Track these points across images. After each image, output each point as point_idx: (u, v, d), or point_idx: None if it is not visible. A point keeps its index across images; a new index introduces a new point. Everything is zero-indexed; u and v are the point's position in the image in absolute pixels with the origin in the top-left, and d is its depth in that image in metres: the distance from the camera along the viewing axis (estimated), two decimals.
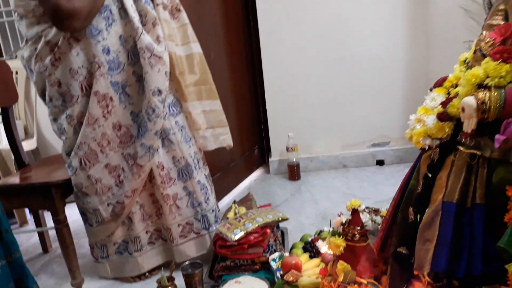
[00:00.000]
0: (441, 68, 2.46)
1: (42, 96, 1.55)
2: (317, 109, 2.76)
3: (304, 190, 2.55)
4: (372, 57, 2.65)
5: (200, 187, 1.76)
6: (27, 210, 2.48)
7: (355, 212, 1.31)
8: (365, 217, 1.55)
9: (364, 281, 1.26)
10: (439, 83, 1.19)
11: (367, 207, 2.03)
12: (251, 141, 2.92)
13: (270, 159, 2.89)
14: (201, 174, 1.78)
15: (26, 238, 2.35)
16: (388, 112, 2.74)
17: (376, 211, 2.04)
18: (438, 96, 1.14)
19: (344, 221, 1.34)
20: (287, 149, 2.72)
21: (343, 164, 2.84)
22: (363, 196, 2.34)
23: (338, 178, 2.68)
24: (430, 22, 2.57)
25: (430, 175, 1.10)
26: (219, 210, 1.98)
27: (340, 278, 1.24)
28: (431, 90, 1.21)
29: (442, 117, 1.06)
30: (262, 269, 1.62)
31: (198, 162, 1.78)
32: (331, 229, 1.63)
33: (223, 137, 1.84)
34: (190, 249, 1.76)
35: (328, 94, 2.73)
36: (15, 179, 1.77)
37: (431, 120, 1.09)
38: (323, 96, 2.74)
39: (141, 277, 1.76)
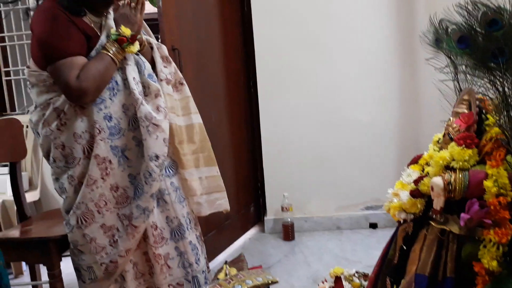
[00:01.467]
0: (430, 132, 2.61)
1: (47, 157, 1.65)
2: (312, 170, 2.86)
3: (298, 251, 2.58)
4: (364, 122, 2.78)
5: (191, 247, 1.77)
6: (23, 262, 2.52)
7: (338, 280, 1.36)
8: (347, 285, 1.59)
9: None
10: (415, 160, 1.29)
11: (357, 272, 2.06)
12: (247, 198, 2.99)
13: (265, 218, 2.95)
14: (192, 235, 1.79)
15: None
16: (381, 176, 2.82)
17: (365, 276, 2.07)
18: (413, 172, 1.24)
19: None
20: (282, 208, 2.79)
21: (337, 226, 2.89)
22: (355, 259, 2.37)
23: (332, 240, 2.72)
24: (420, 91, 2.72)
25: (405, 247, 1.17)
26: (209, 271, 1.99)
27: None
28: (408, 166, 1.30)
29: (415, 194, 1.15)
30: None
31: (190, 222, 1.80)
32: None
33: (219, 202, 1.90)
34: None
35: (322, 156, 2.84)
36: (15, 233, 1.83)
37: (405, 195, 1.18)
38: (317, 157, 2.85)
39: None
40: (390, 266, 1.22)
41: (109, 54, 1.44)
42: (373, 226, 2.85)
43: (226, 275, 1.85)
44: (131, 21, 1.52)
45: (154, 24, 2.23)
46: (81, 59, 1.45)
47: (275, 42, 2.79)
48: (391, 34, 2.75)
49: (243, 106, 2.94)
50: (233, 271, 1.90)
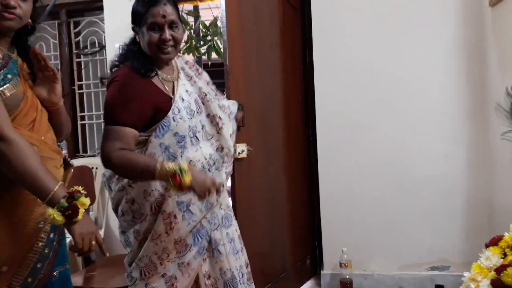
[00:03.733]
0: (503, 194, 2.42)
1: (115, 210, 1.72)
2: (374, 225, 2.74)
3: None
4: (432, 180, 2.64)
5: None
6: None
7: None
8: None
9: None
10: (495, 242, 1.18)
11: None
12: (304, 251, 2.91)
13: (322, 272, 2.84)
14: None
15: None
16: (448, 236, 2.65)
17: None
18: (493, 256, 1.13)
19: None
20: (340, 264, 2.67)
21: (399, 286, 2.71)
22: None
23: None
24: (492, 148, 2.55)
25: None
26: None
27: None
28: (486, 246, 1.19)
29: (497, 285, 1.04)
30: None
31: (243, 276, 1.78)
32: None
33: None
34: None
35: (386, 213, 2.72)
36: (78, 280, 1.90)
37: (485, 285, 1.08)
38: (381, 213, 2.73)
39: None
40: None
41: (157, 168, 1.37)
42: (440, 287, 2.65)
43: None
44: (202, 185, 1.45)
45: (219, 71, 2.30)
46: (130, 132, 1.48)
47: (337, 96, 2.76)
48: (459, 89, 2.63)
49: (303, 161, 2.93)
50: None
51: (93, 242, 1.19)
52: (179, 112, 1.54)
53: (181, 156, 1.55)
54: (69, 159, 1.43)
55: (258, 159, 2.39)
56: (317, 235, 2.96)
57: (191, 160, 1.57)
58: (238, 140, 2.20)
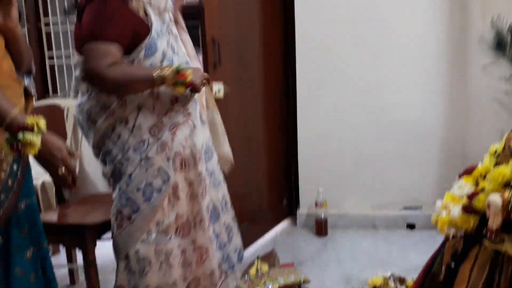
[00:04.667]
0: (478, 138, 2.47)
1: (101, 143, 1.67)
2: (350, 167, 2.77)
3: (330, 248, 2.53)
4: (408, 123, 2.66)
5: (225, 228, 1.82)
6: None
7: None
8: None
9: None
10: (468, 172, 1.19)
11: (393, 275, 2.00)
12: (280, 191, 2.95)
13: (298, 211, 2.90)
14: (227, 216, 1.84)
15: (56, 268, 2.43)
16: (422, 176, 2.71)
17: (401, 281, 2.00)
18: (466, 185, 1.15)
19: None
20: (316, 204, 2.73)
21: (373, 224, 2.80)
22: (391, 261, 2.29)
23: (367, 238, 2.64)
24: (471, 94, 2.57)
25: (453, 265, 1.09)
26: (243, 252, 2.00)
27: None
28: (459, 176, 1.21)
29: (468, 210, 1.06)
30: None
31: (225, 204, 1.85)
32: None
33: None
34: None
35: (362, 154, 2.75)
36: (53, 216, 1.88)
37: (456, 210, 1.10)
38: (356, 155, 2.75)
39: None
40: (435, 282, 1.15)
41: (157, 72, 1.40)
42: (411, 226, 2.75)
43: (257, 271, 1.83)
44: (198, 77, 1.50)
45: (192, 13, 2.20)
46: (118, 48, 1.43)
47: (317, 36, 2.68)
48: (441, 32, 2.59)
49: (280, 99, 2.87)
50: (265, 267, 1.88)
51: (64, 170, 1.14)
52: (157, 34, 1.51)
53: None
54: (31, 89, 1.34)
55: (235, 98, 2.34)
56: (293, 177, 2.99)
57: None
58: (214, 79, 2.13)
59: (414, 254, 2.37)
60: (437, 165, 2.69)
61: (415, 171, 2.71)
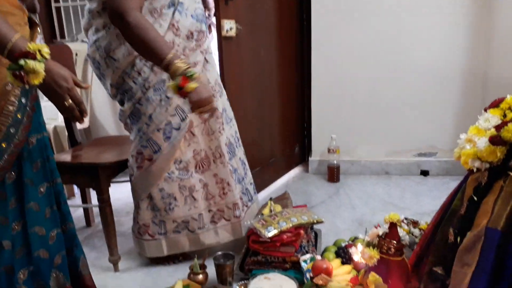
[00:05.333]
0: (500, 82, 2.37)
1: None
2: (364, 112, 2.71)
3: (342, 193, 2.53)
4: (428, 64, 2.56)
5: (241, 163, 1.90)
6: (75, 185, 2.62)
7: (393, 226, 1.29)
8: (402, 232, 1.52)
9: None
10: (495, 104, 1.14)
11: (406, 218, 1.99)
12: (293, 139, 2.92)
13: (310, 158, 2.88)
14: (240, 151, 1.91)
15: (72, 211, 2.45)
16: (439, 122, 2.65)
17: (415, 224, 1.99)
18: (493, 117, 1.09)
19: (380, 234, 1.32)
20: (329, 150, 2.70)
21: (386, 171, 2.78)
22: (403, 206, 2.29)
23: (379, 184, 2.63)
24: (493, 33, 2.44)
25: (475, 198, 1.06)
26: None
27: None
28: (485, 110, 1.15)
29: (495, 141, 1.02)
30: (292, 268, 1.62)
31: (238, 140, 1.91)
32: (366, 237, 1.62)
33: None
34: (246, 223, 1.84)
35: (377, 98, 2.68)
36: (66, 157, 1.87)
37: (482, 142, 1.05)
38: (371, 99, 2.69)
39: (174, 260, 1.82)
40: (455, 216, 1.13)
41: (170, 57, 1.33)
42: (425, 173, 2.73)
43: (271, 211, 1.83)
44: (198, 97, 1.37)
45: None
46: None
47: None
48: None
49: (294, 42, 2.77)
50: (278, 208, 1.87)
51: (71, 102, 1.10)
52: None
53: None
54: (35, 19, 1.28)
55: (247, 39, 2.26)
56: (306, 124, 2.95)
57: None
58: (225, 16, 2.04)
59: (428, 199, 2.36)
60: (456, 111, 2.62)
61: (432, 117, 2.65)
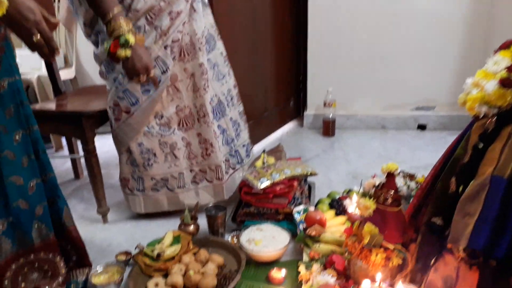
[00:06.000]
0: (504, 32, 2.27)
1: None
2: (361, 65, 2.61)
3: (337, 148, 2.47)
4: (428, 13, 2.44)
5: (232, 123, 1.80)
6: (63, 137, 2.54)
7: (390, 175, 1.24)
8: (400, 182, 1.47)
9: (391, 246, 1.21)
10: (506, 45, 1.05)
11: (402, 171, 1.95)
12: (287, 92, 2.83)
13: (305, 113, 2.81)
14: (234, 111, 1.80)
15: (61, 162, 2.42)
16: (438, 75, 2.56)
17: (411, 177, 1.95)
18: (503, 59, 1.01)
19: (377, 184, 1.27)
20: (325, 104, 2.62)
21: (382, 125, 2.72)
22: (399, 160, 2.24)
23: (375, 139, 2.58)
24: None
25: (481, 145, 1.00)
26: (252, 147, 1.98)
27: (366, 240, 1.19)
28: (495, 52, 1.07)
29: (506, 83, 0.94)
30: (285, 219, 1.59)
31: (231, 99, 1.79)
32: (361, 189, 1.57)
33: None
34: (233, 184, 1.80)
35: (375, 50, 2.57)
36: (51, 106, 1.78)
37: (491, 85, 0.97)
38: (369, 52, 2.58)
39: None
40: (457, 165, 1.07)
41: (111, 15, 1.25)
42: (422, 127, 2.67)
43: (263, 163, 1.77)
44: (133, 70, 1.31)
45: None
46: None
47: None
48: None
49: None
50: (271, 160, 1.82)
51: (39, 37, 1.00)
52: None
53: None
54: None
55: None
56: (302, 78, 2.85)
57: None
58: None
59: (424, 153, 2.32)
60: (456, 63, 2.52)
61: (431, 69, 2.56)
